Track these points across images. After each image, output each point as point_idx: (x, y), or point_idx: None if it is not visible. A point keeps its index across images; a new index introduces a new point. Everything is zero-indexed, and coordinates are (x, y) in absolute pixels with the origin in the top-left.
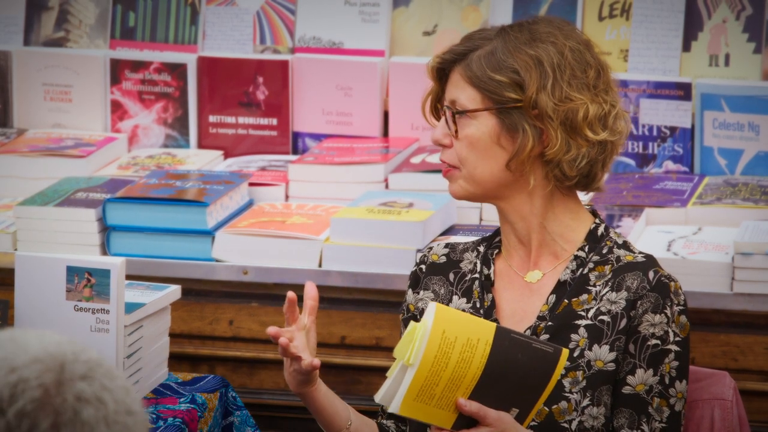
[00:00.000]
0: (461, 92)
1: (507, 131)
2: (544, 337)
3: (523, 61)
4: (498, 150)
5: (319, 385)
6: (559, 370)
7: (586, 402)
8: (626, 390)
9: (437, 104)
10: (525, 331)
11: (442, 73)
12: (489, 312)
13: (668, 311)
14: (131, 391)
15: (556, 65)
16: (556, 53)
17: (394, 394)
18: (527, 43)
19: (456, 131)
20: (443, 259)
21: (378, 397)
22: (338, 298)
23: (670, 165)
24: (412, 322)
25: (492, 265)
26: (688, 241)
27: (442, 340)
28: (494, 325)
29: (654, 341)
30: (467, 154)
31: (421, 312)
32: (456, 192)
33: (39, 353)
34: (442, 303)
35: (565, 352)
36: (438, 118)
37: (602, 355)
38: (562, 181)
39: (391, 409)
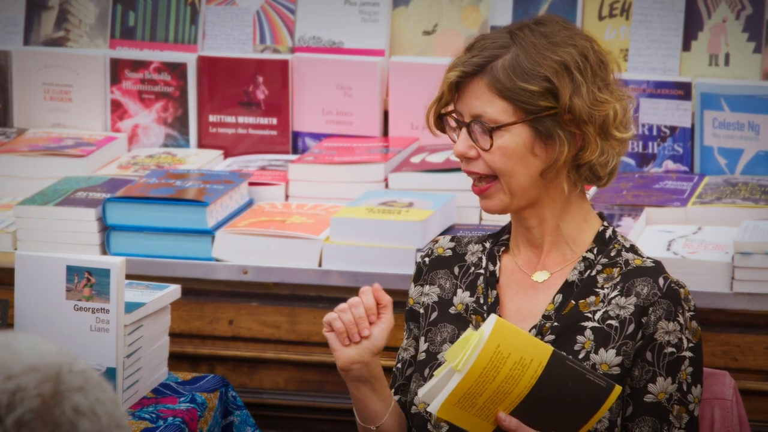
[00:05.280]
0: (489, 105)
1: (541, 140)
2: (550, 337)
3: (551, 67)
4: (531, 159)
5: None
6: (608, 405)
7: None
8: (648, 398)
9: (440, 113)
10: (530, 330)
11: (454, 85)
12: (492, 308)
13: (681, 318)
14: (119, 403)
15: (582, 68)
16: (578, 55)
17: (438, 393)
18: (548, 48)
19: (491, 145)
20: (449, 252)
21: (421, 393)
22: (338, 298)
23: (670, 164)
24: (470, 329)
25: (498, 261)
26: (688, 240)
27: (495, 353)
28: (551, 348)
29: (670, 349)
30: (502, 163)
31: (426, 307)
32: (494, 206)
33: (35, 361)
34: (447, 297)
35: (618, 388)
36: (441, 128)
37: (608, 359)
38: (592, 182)
39: (430, 409)
